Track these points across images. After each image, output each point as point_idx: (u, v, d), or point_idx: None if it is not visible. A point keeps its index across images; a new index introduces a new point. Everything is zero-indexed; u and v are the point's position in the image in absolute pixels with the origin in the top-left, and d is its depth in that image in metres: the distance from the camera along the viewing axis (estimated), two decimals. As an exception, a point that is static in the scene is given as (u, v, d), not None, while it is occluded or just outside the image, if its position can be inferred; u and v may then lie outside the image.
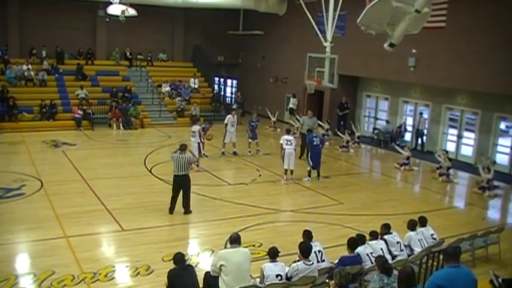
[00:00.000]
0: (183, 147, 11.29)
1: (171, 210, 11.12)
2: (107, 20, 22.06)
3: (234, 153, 17.17)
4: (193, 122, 15.51)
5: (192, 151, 14.71)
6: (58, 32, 23.79)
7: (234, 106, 24.22)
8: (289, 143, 14.11)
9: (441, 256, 7.40)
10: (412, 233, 8.28)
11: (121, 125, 21.58)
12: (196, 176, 11.95)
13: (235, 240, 6.79)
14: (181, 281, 6.23)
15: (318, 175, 14.61)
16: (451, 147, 18.24)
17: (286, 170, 14.10)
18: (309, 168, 14.44)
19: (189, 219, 11.03)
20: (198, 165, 14.37)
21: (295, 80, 23.85)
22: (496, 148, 16.95)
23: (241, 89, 28.66)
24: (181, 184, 11.00)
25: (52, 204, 11.27)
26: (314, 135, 14.96)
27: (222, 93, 29.62)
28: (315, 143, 14.47)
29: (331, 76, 18.83)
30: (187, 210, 11.10)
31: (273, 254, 6.79)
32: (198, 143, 14.70)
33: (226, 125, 16.75)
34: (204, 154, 15.87)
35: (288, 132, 15.17)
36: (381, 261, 6.48)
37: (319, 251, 7.24)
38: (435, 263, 7.72)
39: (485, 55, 15.55)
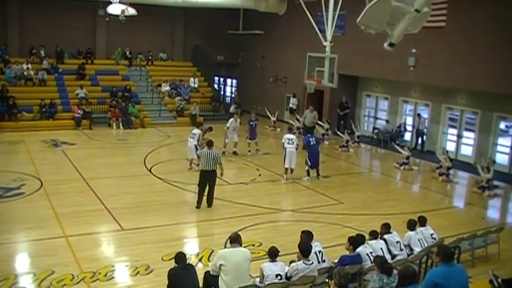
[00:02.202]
0: (210, 143, 11.55)
1: (199, 204, 11.35)
2: (107, 19, 22.10)
3: (234, 152, 17.16)
4: (196, 126, 15.46)
5: (189, 151, 14.83)
6: (58, 31, 23.77)
7: (233, 107, 24.19)
8: (290, 141, 14.10)
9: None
10: (411, 233, 8.28)
11: (121, 125, 21.58)
12: (196, 176, 11.93)
13: (235, 240, 6.80)
14: (181, 281, 6.23)
15: (318, 174, 14.61)
16: (450, 146, 18.23)
17: (286, 169, 14.10)
18: (307, 168, 14.44)
19: (188, 218, 11.05)
20: (198, 165, 14.33)
21: (295, 79, 23.85)
22: (496, 148, 16.95)
23: (241, 88, 28.69)
24: (208, 179, 11.22)
25: (52, 203, 11.26)
26: (309, 135, 15.01)
27: (222, 92, 29.61)
28: (311, 143, 14.48)
29: (331, 76, 18.79)
30: (210, 204, 11.42)
31: (273, 254, 6.78)
32: (195, 145, 14.68)
33: (228, 128, 16.73)
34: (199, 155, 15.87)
35: (289, 131, 15.16)
36: (379, 261, 6.47)
37: (319, 252, 7.22)
38: (434, 263, 7.71)
39: (485, 55, 15.55)
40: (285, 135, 14.48)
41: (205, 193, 11.43)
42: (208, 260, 8.53)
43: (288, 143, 14.09)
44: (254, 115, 17.99)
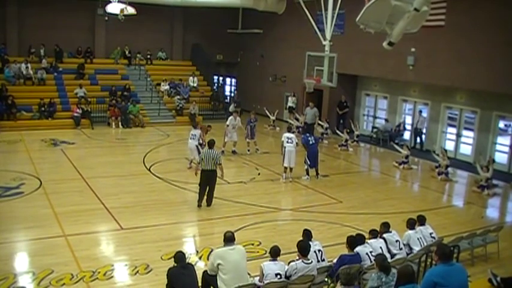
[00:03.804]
0: (211, 143, 11.56)
1: (199, 203, 11.38)
2: (106, 18, 22.10)
3: (233, 152, 17.15)
4: (194, 126, 15.38)
5: (191, 152, 14.80)
6: (57, 30, 23.73)
7: (232, 105, 24.20)
8: (289, 140, 14.06)
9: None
10: (411, 232, 8.27)
11: (120, 124, 21.58)
12: (196, 176, 11.93)
13: (230, 239, 6.75)
14: (180, 280, 6.23)
15: (317, 174, 14.61)
16: (450, 146, 18.24)
17: (286, 168, 14.10)
18: (306, 167, 14.43)
19: (187, 217, 11.04)
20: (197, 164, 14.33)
21: (294, 78, 23.86)
22: (495, 147, 16.95)
23: (240, 87, 28.68)
24: (208, 179, 11.21)
25: (51, 202, 11.25)
26: (308, 135, 15.00)
27: (221, 91, 29.59)
28: (310, 142, 14.46)
29: (330, 75, 18.83)
30: (209, 204, 11.45)
31: (275, 253, 6.78)
32: (197, 146, 14.64)
33: (228, 126, 16.74)
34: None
35: (289, 130, 15.14)
36: (380, 259, 6.47)
37: (319, 251, 7.23)
38: (434, 262, 7.72)
39: (484, 54, 15.54)
40: (284, 134, 14.43)
41: (206, 192, 11.43)
42: (208, 259, 8.53)
43: (287, 142, 14.06)
44: (253, 116, 17.88)
